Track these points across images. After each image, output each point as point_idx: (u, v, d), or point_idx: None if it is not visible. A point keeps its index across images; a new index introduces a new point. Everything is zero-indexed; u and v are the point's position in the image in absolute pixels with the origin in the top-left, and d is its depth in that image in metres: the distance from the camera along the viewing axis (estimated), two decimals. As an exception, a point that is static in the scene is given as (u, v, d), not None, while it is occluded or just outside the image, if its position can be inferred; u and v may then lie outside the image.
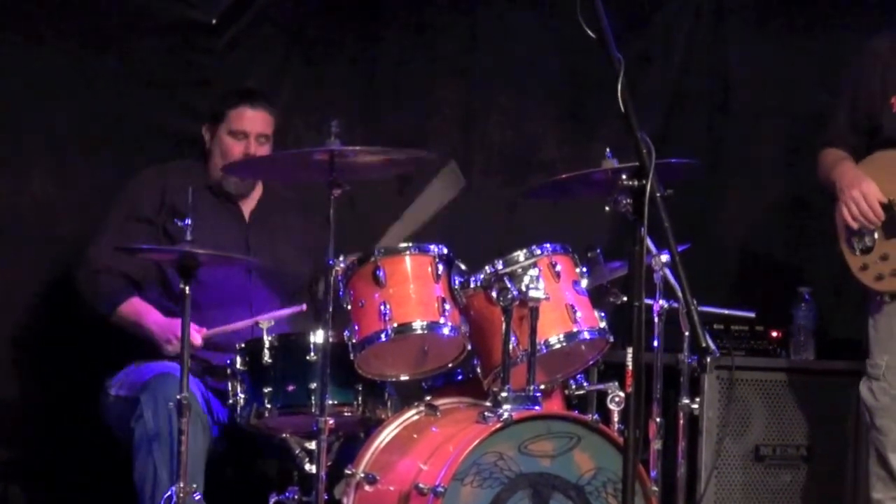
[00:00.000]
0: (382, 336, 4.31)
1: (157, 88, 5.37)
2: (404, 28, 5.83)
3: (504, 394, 4.25)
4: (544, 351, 4.36)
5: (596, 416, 4.32)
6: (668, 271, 4.48)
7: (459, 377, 4.61)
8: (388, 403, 4.55)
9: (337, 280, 4.33)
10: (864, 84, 4.93)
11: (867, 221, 4.85)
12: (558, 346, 4.39)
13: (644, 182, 3.54)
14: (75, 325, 5.01)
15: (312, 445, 4.32)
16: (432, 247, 4.43)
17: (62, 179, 5.28)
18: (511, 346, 4.31)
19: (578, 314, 4.42)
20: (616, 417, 4.46)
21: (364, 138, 4.35)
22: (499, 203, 5.85)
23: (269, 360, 4.45)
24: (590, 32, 3.59)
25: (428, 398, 4.49)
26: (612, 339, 4.49)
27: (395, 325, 4.31)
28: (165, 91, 5.38)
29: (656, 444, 4.57)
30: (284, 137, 5.25)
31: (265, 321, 4.50)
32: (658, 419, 4.56)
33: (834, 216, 4.98)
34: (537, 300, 4.29)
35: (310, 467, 4.37)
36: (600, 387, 4.56)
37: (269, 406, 4.43)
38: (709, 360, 4.96)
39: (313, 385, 4.35)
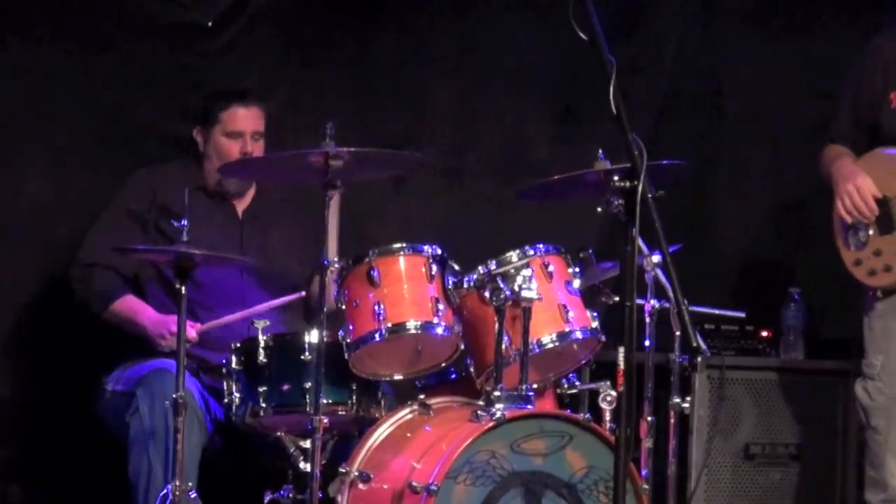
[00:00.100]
0: (377, 336, 4.33)
1: (156, 90, 5.36)
2: (400, 30, 5.82)
3: (497, 393, 4.26)
4: (537, 350, 4.37)
5: (588, 415, 4.32)
6: (659, 272, 4.49)
7: (453, 376, 4.62)
8: (382, 402, 4.56)
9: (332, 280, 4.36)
10: (866, 81, 4.93)
11: (860, 215, 4.84)
12: (551, 345, 4.41)
13: (636, 183, 3.56)
14: (74, 324, 5.01)
15: (307, 444, 4.36)
16: (426, 247, 4.44)
17: (60, 180, 5.27)
18: (504, 346, 4.32)
19: (571, 314, 4.43)
20: (608, 416, 4.46)
21: (360, 140, 4.36)
22: (492, 204, 5.84)
23: (264, 360, 4.47)
24: (582, 35, 3.61)
25: (421, 397, 4.49)
26: (603, 339, 4.50)
27: (390, 324, 4.33)
28: (164, 93, 5.37)
29: (647, 443, 4.58)
30: (281, 138, 5.25)
31: (260, 321, 4.52)
32: (649, 418, 4.57)
33: (832, 215, 4.98)
34: (530, 300, 4.30)
35: (304, 466, 4.39)
36: (592, 386, 4.56)
37: (264, 405, 4.45)
38: (699, 359, 5.03)
39: (308, 384, 4.37)
